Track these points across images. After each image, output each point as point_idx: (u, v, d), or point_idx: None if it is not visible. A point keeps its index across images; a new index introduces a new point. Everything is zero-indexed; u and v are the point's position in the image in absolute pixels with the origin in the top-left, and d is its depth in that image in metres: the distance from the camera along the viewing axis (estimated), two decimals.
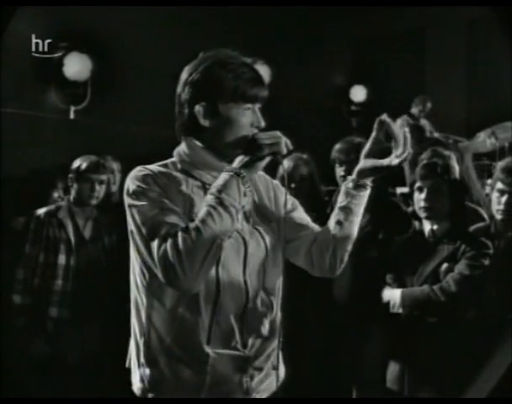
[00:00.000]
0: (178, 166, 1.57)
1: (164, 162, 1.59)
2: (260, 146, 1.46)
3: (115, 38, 4.53)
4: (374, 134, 1.56)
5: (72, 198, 3.08)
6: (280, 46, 6.01)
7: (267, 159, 1.49)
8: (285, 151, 1.48)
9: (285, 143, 1.48)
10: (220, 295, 1.50)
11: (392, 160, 1.52)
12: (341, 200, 1.59)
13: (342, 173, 2.91)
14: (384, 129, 1.53)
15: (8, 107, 4.17)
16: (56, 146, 4.41)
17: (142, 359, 1.54)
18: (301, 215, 1.69)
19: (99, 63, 4.79)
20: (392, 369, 2.52)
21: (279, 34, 6.13)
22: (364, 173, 1.57)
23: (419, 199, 2.54)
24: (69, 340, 2.97)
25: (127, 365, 1.67)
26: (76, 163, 3.08)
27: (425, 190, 2.53)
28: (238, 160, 1.47)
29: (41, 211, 3.05)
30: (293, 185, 2.90)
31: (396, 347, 2.54)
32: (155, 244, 1.40)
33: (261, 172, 1.69)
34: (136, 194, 1.47)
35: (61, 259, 2.98)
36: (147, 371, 1.53)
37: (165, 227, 1.41)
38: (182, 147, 1.58)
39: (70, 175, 3.08)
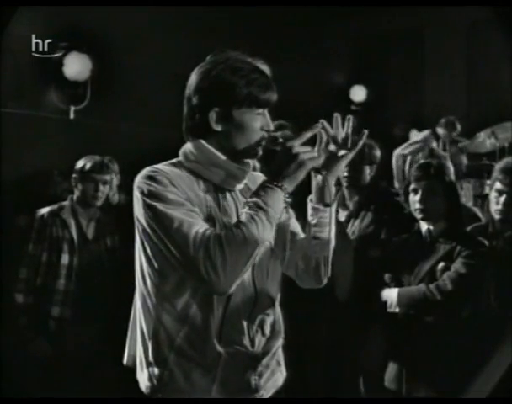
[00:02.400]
0: (186, 166, 1.55)
1: (171, 161, 1.58)
2: (303, 162, 1.44)
3: (115, 38, 4.52)
4: (321, 145, 1.56)
5: (75, 198, 3.09)
6: (280, 46, 6.00)
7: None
8: (321, 163, 1.51)
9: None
10: (232, 294, 1.50)
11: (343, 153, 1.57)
12: (312, 218, 1.60)
13: (345, 174, 2.92)
14: (325, 134, 1.54)
15: (8, 107, 4.16)
16: (56, 146, 4.40)
17: (151, 359, 1.54)
18: (294, 224, 1.70)
19: (99, 63, 4.78)
20: (390, 368, 2.53)
21: (279, 34, 6.12)
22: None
23: (414, 200, 2.55)
24: (71, 340, 2.98)
25: (125, 363, 1.68)
26: (80, 163, 3.08)
27: (419, 192, 2.53)
28: (279, 172, 1.46)
29: (45, 211, 3.05)
30: None
31: (393, 346, 2.56)
32: (189, 243, 1.39)
33: (260, 174, 1.70)
34: (153, 195, 1.45)
35: (64, 259, 2.99)
36: (156, 370, 1.53)
37: (195, 227, 1.41)
38: (189, 147, 1.57)
39: (74, 175, 3.09)
